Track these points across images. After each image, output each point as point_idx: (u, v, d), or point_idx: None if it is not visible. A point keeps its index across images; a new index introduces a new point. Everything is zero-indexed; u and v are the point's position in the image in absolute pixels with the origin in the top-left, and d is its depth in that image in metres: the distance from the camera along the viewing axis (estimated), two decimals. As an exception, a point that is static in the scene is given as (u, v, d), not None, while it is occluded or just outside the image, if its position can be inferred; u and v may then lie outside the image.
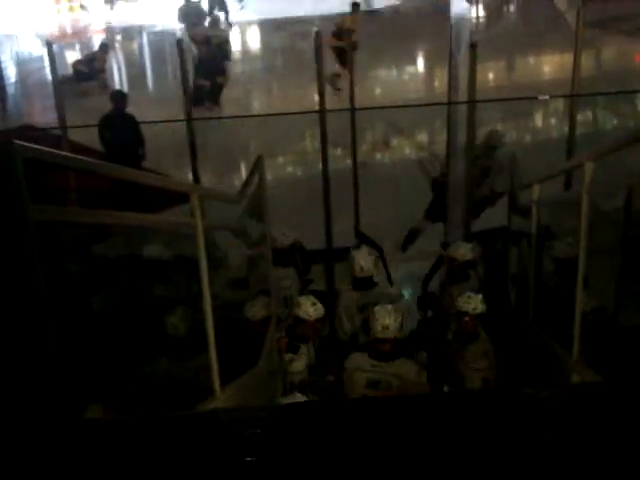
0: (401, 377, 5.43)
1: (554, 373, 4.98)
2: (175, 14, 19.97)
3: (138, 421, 1.98)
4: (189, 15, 18.88)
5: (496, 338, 5.84)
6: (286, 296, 6.42)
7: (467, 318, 5.62)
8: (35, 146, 2.30)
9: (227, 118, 11.51)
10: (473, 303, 5.62)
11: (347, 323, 6.51)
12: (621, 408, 1.87)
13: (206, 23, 18.76)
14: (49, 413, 2.09)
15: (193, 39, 16.27)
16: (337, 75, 14.51)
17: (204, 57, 15.19)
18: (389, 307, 5.54)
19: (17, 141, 2.14)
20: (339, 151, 11.09)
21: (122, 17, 26.96)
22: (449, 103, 8.43)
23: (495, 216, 8.03)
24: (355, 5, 16.50)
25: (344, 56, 14.77)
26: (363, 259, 6.52)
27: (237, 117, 11.89)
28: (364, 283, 6.50)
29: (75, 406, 2.21)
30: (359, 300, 6.47)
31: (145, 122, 10.17)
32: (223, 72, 15.25)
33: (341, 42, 14.73)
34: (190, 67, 12.08)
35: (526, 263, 6.17)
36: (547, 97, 10.77)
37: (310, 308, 5.69)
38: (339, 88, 14.26)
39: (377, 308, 5.50)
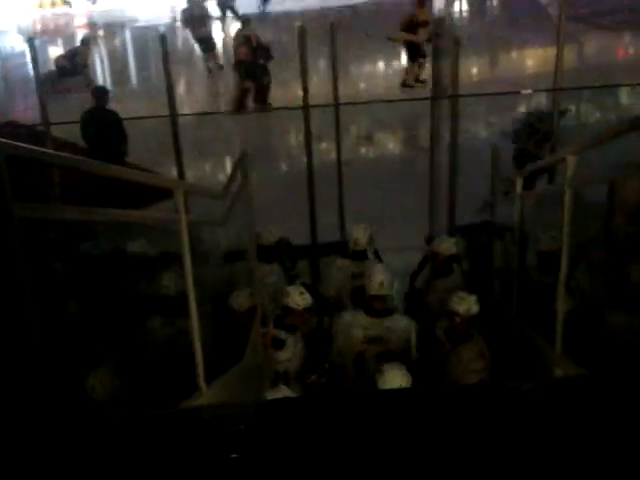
0: (397, 333, 5.74)
1: (538, 366, 5.00)
2: (157, 10, 19.93)
3: (122, 418, 1.98)
4: (194, 17, 18.64)
5: (482, 333, 5.85)
6: (271, 292, 6.43)
7: (459, 319, 5.60)
8: (17, 143, 2.29)
9: (211, 114, 11.47)
10: (466, 304, 5.57)
11: (333, 288, 6.84)
12: (604, 401, 1.89)
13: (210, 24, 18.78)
14: (33, 411, 2.09)
15: (236, 42, 15.88)
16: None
17: (245, 59, 14.92)
18: (383, 266, 5.95)
19: (-1, 139, 2.13)
20: (324, 145, 11.10)
21: (105, 12, 26.88)
22: (432, 98, 8.45)
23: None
24: None
25: (416, 50, 15.15)
26: (359, 233, 6.77)
27: (220, 113, 11.87)
28: (357, 255, 6.76)
29: (59, 406, 2.20)
30: (351, 268, 6.73)
31: (127, 118, 10.13)
32: (267, 72, 14.83)
33: (414, 36, 15.01)
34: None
35: (510, 257, 6.19)
36: (530, 91, 10.82)
37: (298, 297, 5.72)
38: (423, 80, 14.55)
39: (372, 267, 5.97)
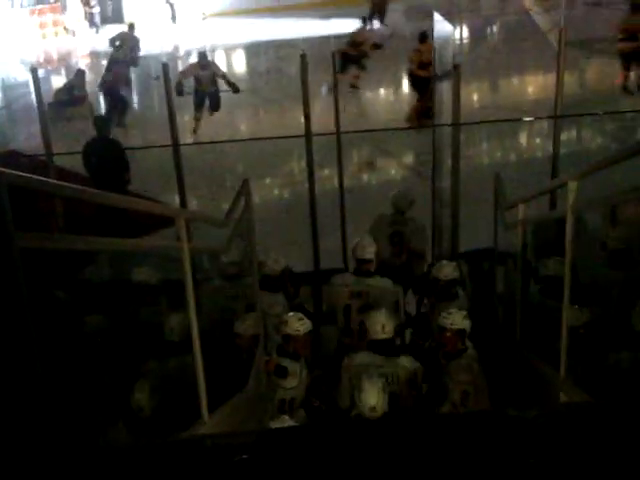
0: (379, 289, 6.71)
1: (543, 393, 4.98)
2: (160, 40, 20.10)
3: (127, 449, 1.98)
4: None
5: (485, 357, 5.83)
6: (276, 323, 6.34)
7: (448, 334, 5.61)
8: (19, 173, 2.30)
9: (215, 143, 11.52)
10: (451, 318, 5.58)
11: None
12: (609, 428, 1.88)
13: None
14: (35, 440, 2.08)
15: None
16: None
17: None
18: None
19: (1, 168, 2.14)
20: (326, 172, 11.13)
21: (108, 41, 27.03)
22: (434, 125, 8.49)
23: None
24: (424, 35, 15.74)
25: (424, 86, 14.91)
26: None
27: (225, 142, 11.92)
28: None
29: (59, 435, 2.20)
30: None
31: (130, 148, 10.18)
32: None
33: (423, 72, 15.03)
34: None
35: (513, 283, 6.18)
36: (532, 119, 10.85)
37: (297, 323, 5.70)
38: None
39: (363, 237, 6.72)
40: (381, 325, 5.65)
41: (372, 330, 5.67)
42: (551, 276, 5.76)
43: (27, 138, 14.96)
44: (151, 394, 4.92)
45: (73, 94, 17.06)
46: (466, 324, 5.61)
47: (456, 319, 5.59)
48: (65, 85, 17.94)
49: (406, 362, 5.70)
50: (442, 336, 5.65)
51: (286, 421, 5.01)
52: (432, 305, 6.76)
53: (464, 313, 5.65)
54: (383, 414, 4.89)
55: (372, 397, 4.94)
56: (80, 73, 17.94)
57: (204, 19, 31.17)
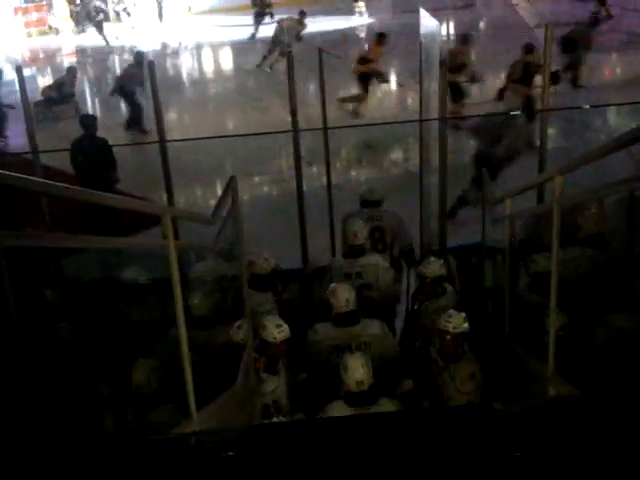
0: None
1: (530, 386, 4.99)
2: (147, 38, 20.11)
3: (114, 445, 1.97)
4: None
5: (473, 351, 5.85)
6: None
7: (449, 337, 5.58)
8: (4, 172, 2.29)
9: (202, 139, 11.50)
10: (454, 322, 5.56)
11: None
12: (597, 421, 1.88)
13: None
14: (22, 435, 2.08)
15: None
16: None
17: None
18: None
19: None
20: (314, 169, 11.13)
21: (93, 40, 27.00)
22: (420, 120, 8.50)
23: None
24: (381, 35, 16.71)
25: (365, 82, 16.06)
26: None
27: (212, 138, 11.89)
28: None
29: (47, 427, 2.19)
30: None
31: (117, 145, 10.15)
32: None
33: (365, 68, 16.08)
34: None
35: (501, 277, 6.20)
36: (518, 113, 10.87)
37: (275, 330, 5.61)
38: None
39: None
40: (345, 300, 5.91)
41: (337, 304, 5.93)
42: (540, 272, 5.77)
43: (13, 137, 14.92)
44: (152, 372, 5.09)
45: (63, 91, 17.02)
46: (467, 326, 5.60)
47: (458, 322, 5.57)
48: (55, 82, 17.89)
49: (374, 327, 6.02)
50: (443, 340, 5.62)
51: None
52: (420, 302, 6.75)
53: (464, 315, 5.62)
54: (370, 387, 5.03)
55: (357, 372, 5.02)
56: (72, 70, 17.89)
57: (188, 12, 31.28)
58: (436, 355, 5.76)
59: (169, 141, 8.56)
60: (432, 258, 6.81)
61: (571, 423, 1.87)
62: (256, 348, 5.75)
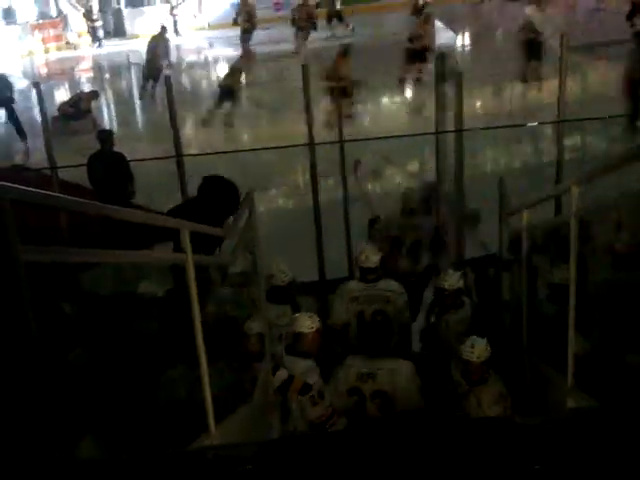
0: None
1: (550, 398, 4.97)
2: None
3: (131, 460, 1.97)
4: None
5: (492, 364, 5.81)
6: (282, 334, 6.31)
7: (473, 366, 5.49)
8: (23, 187, 2.30)
9: (218, 153, 11.52)
10: (477, 352, 5.46)
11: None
12: (617, 434, 1.86)
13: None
14: (40, 455, 2.08)
15: None
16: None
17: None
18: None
19: (3, 183, 2.14)
20: (330, 182, 11.14)
21: (110, 55, 27.18)
22: (437, 133, 8.49)
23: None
24: (346, 49, 16.76)
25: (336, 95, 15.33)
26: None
27: (229, 152, 11.92)
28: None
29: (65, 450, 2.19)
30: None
31: (134, 160, 10.19)
32: None
33: (333, 83, 15.27)
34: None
35: (519, 289, 6.17)
36: (535, 124, 10.86)
37: (307, 321, 5.65)
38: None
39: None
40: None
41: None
42: (559, 284, 5.73)
43: (32, 152, 15.03)
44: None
45: (79, 107, 17.16)
46: (489, 352, 5.51)
47: (481, 351, 5.47)
48: (71, 98, 18.04)
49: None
50: (467, 368, 5.53)
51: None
52: (438, 315, 6.72)
53: (485, 341, 5.52)
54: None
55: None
56: (94, 94, 18.08)
57: (195, 17, 31.62)
58: (459, 378, 5.68)
59: (185, 155, 8.59)
60: (450, 270, 6.79)
61: (591, 436, 1.86)
62: (286, 348, 5.76)
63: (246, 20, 24.59)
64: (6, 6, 29.82)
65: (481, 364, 5.48)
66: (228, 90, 16.88)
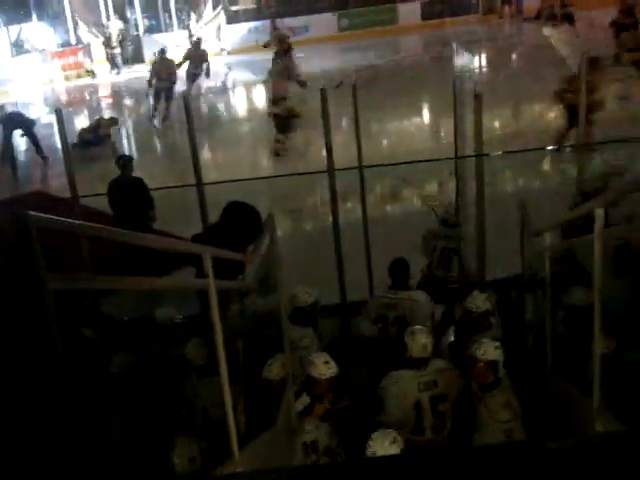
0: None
1: (576, 421, 4.92)
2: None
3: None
4: None
5: (516, 386, 5.78)
6: (304, 356, 6.30)
7: (480, 364, 5.56)
8: (48, 216, 2.32)
9: (238, 181, 11.56)
10: (483, 349, 5.56)
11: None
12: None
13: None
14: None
15: None
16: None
17: None
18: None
19: (31, 212, 2.16)
20: (349, 205, 11.14)
21: (129, 81, 27.39)
22: (456, 158, 8.49)
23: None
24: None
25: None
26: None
27: (248, 180, 11.96)
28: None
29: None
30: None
31: (154, 189, 10.23)
32: None
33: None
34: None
35: (542, 311, 6.14)
36: (555, 147, 10.83)
37: (323, 367, 5.64)
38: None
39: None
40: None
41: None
42: (575, 305, 5.74)
43: (52, 178, 15.15)
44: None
45: (99, 133, 17.28)
46: (498, 354, 5.55)
47: (488, 350, 5.54)
48: (91, 124, 18.18)
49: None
50: (474, 367, 5.60)
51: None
52: (465, 337, 6.70)
53: (496, 343, 5.59)
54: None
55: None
56: (113, 120, 18.22)
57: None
58: (476, 389, 5.72)
59: (207, 184, 8.62)
60: (476, 292, 6.77)
61: (621, 460, 1.84)
62: (302, 384, 5.75)
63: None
64: (21, 36, 30.15)
65: (487, 365, 5.50)
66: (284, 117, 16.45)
